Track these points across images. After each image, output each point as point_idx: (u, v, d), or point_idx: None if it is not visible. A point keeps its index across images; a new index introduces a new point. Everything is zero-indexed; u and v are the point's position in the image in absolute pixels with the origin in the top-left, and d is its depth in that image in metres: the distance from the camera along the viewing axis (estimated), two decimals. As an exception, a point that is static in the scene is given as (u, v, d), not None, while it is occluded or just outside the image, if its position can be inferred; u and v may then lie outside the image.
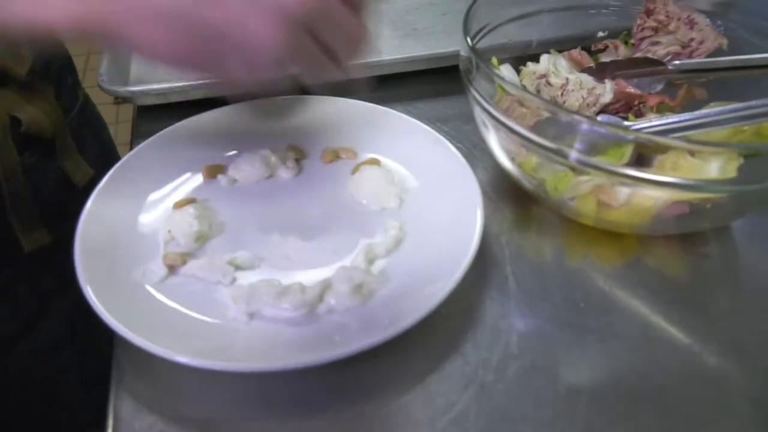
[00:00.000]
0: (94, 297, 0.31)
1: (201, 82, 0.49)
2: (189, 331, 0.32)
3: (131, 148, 0.44)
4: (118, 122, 1.63)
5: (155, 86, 0.48)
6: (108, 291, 0.32)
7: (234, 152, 0.44)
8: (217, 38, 0.29)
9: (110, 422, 0.29)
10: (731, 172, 0.34)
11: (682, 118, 0.36)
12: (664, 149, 0.35)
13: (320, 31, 0.30)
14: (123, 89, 0.47)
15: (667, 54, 0.45)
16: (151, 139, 0.42)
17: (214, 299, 0.34)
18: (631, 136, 0.33)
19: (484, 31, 0.44)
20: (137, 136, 0.47)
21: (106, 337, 0.34)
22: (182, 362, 0.29)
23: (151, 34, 0.29)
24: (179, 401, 0.30)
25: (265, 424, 0.30)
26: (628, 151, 0.34)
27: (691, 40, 0.45)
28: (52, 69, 0.50)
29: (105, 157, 0.56)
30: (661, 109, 0.43)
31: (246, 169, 0.42)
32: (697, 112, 0.37)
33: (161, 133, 0.43)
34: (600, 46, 0.48)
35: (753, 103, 0.35)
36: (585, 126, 0.33)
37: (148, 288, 0.34)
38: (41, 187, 0.49)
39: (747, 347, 0.34)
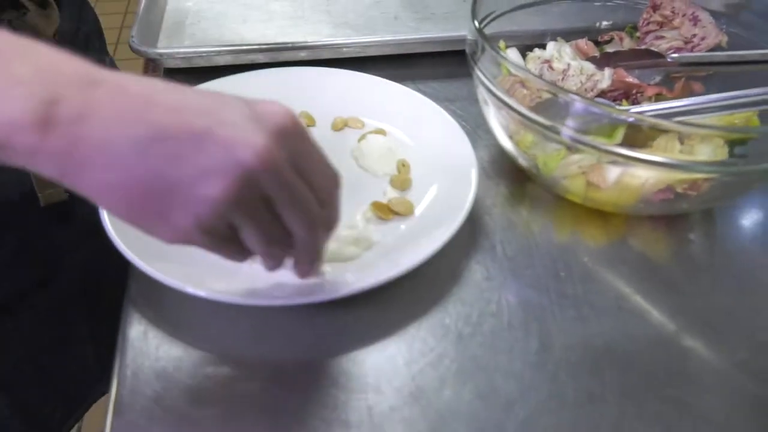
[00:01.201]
0: (113, 232, 0.34)
1: (223, 48, 0.52)
2: (196, 267, 0.35)
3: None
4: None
5: (181, 50, 0.51)
6: (126, 228, 0.35)
7: (250, 115, 0.46)
8: (168, 192, 0.24)
9: (120, 341, 0.33)
10: (722, 154, 0.36)
11: (672, 105, 0.38)
12: (654, 135, 0.37)
13: (278, 201, 0.26)
14: (152, 50, 0.51)
15: (670, 48, 0.47)
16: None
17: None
18: (622, 117, 0.35)
19: (493, 16, 0.46)
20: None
21: (116, 293, 0.36)
22: (189, 292, 0.32)
23: (105, 172, 0.24)
24: (183, 328, 0.33)
25: (255, 356, 0.33)
26: (620, 133, 0.36)
27: (694, 35, 0.46)
28: (80, 33, 0.53)
29: None
30: (658, 100, 0.45)
31: (260, 131, 0.45)
32: (686, 100, 0.39)
33: (184, 92, 0.46)
34: (606, 37, 0.50)
35: (743, 92, 0.37)
36: (579, 105, 0.35)
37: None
38: None
39: (717, 326, 0.36)
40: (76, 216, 0.52)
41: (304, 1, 0.64)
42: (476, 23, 0.42)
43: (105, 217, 0.35)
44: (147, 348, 0.32)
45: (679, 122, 0.36)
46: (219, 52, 0.51)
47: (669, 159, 0.35)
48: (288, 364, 0.32)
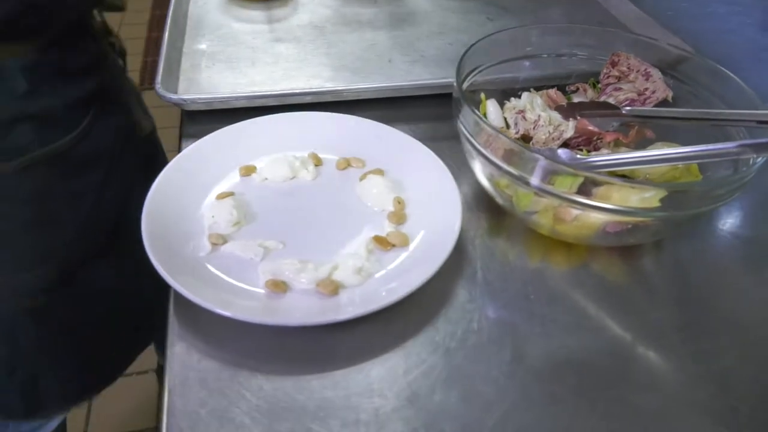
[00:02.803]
0: (159, 264, 0.41)
1: (240, 95, 0.59)
2: (226, 292, 0.42)
3: (179, 148, 0.54)
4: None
5: (202, 96, 0.58)
6: (168, 259, 0.42)
7: (265, 156, 0.53)
8: None
9: (168, 356, 0.39)
10: (654, 202, 0.44)
11: (625, 156, 0.46)
12: (599, 182, 0.44)
13: None
14: (176, 97, 0.57)
15: (626, 99, 0.55)
16: (199, 141, 0.52)
17: (247, 272, 0.44)
18: (573, 171, 0.43)
19: (477, 70, 0.54)
20: (185, 136, 0.57)
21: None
22: (220, 313, 0.39)
23: None
24: (217, 345, 0.40)
25: (279, 368, 0.39)
26: (578, 181, 0.44)
27: (646, 89, 0.54)
28: None
29: None
30: (617, 145, 0.53)
31: (274, 170, 0.52)
32: (637, 152, 0.46)
33: (208, 136, 0.53)
34: (573, 87, 0.58)
35: (672, 151, 0.45)
36: (541, 162, 0.43)
37: (197, 259, 0.44)
38: None
39: (661, 338, 0.43)
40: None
41: (306, 45, 0.71)
42: (458, 83, 0.49)
43: (146, 243, 0.42)
44: (191, 361, 0.39)
45: (622, 177, 0.43)
46: (236, 97, 0.58)
47: (615, 206, 0.42)
48: (308, 374, 0.39)
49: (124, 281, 0.70)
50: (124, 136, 0.66)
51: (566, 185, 0.43)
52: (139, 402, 1.28)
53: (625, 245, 0.50)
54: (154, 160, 0.76)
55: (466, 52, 0.51)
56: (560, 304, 0.45)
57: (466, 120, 0.47)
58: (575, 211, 0.46)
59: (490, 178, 0.49)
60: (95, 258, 0.67)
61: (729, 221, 0.54)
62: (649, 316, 0.45)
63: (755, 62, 0.81)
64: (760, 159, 0.42)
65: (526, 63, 0.57)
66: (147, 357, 1.25)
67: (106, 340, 0.74)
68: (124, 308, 0.74)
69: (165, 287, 0.41)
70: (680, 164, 0.47)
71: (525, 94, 0.55)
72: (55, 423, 0.81)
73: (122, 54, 0.70)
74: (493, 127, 0.44)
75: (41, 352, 0.68)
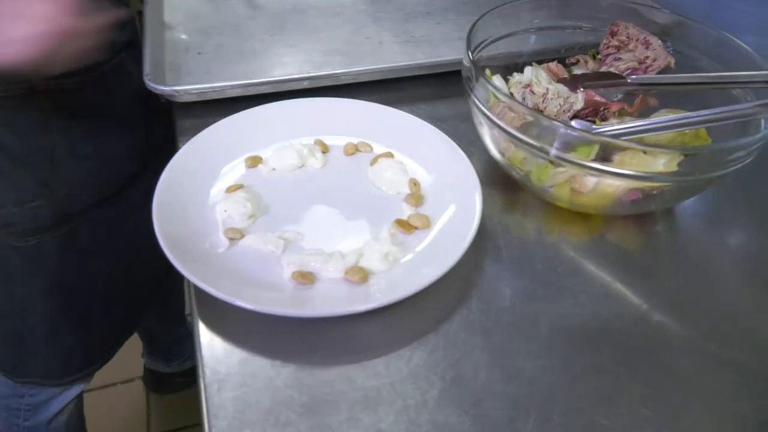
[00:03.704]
0: (179, 264, 0.39)
1: (235, 83, 0.57)
2: (253, 287, 0.40)
3: (176, 144, 0.52)
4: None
5: (197, 86, 0.56)
6: (186, 258, 0.40)
7: (270, 145, 0.51)
8: None
9: (199, 358, 0.38)
10: (672, 166, 0.44)
11: (635, 124, 0.46)
12: (622, 148, 0.44)
13: None
14: (169, 88, 0.55)
15: (627, 68, 0.55)
16: (198, 135, 0.50)
17: (270, 265, 0.42)
18: (595, 139, 0.43)
19: (482, 45, 0.53)
20: (180, 131, 0.55)
21: None
22: (250, 309, 0.37)
23: None
24: (249, 342, 0.39)
25: (316, 361, 0.38)
26: (594, 149, 0.44)
27: (647, 57, 0.55)
28: None
29: None
30: (621, 114, 0.53)
31: (282, 160, 0.50)
32: (647, 120, 0.47)
33: (207, 129, 0.50)
34: (573, 60, 0.58)
35: (690, 114, 0.45)
36: (562, 130, 0.42)
37: (217, 256, 0.42)
38: None
39: (683, 303, 0.44)
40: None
41: (293, 31, 0.69)
42: (471, 56, 0.48)
43: (163, 245, 0.40)
44: (224, 361, 0.38)
45: (639, 142, 0.43)
46: (231, 86, 0.56)
47: (633, 171, 0.42)
48: (347, 365, 0.38)
49: (125, 243, 0.67)
50: (139, 98, 0.64)
51: (585, 154, 0.43)
52: (127, 411, 1.24)
53: (640, 213, 0.51)
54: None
55: (473, 25, 0.50)
56: (585, 276, 0.45)
57: (479, 93, 0.46)
58: (592, 182, 0.46)
59: (504, 153, 0.48)
60: (96, 210, 0.64)
61: (736, 184, 0.55)
62: (672, 281, 0.46)
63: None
64: (774, 119, 0.42)
65: (531, 37, 0.56)
66: (131, 365, 1.23)
67: (101, 305, 0.70)
68: (123, 274, 0.70)
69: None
70: (698, 127, 0.47)
71: (528, 69, 0.54)
72: (70, 395, 0.78)
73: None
74: (511, 98, 0.43)
75: (30, 306, 0.65)
